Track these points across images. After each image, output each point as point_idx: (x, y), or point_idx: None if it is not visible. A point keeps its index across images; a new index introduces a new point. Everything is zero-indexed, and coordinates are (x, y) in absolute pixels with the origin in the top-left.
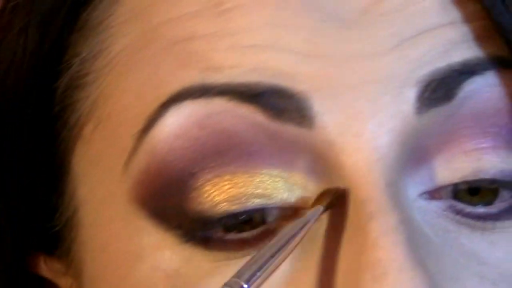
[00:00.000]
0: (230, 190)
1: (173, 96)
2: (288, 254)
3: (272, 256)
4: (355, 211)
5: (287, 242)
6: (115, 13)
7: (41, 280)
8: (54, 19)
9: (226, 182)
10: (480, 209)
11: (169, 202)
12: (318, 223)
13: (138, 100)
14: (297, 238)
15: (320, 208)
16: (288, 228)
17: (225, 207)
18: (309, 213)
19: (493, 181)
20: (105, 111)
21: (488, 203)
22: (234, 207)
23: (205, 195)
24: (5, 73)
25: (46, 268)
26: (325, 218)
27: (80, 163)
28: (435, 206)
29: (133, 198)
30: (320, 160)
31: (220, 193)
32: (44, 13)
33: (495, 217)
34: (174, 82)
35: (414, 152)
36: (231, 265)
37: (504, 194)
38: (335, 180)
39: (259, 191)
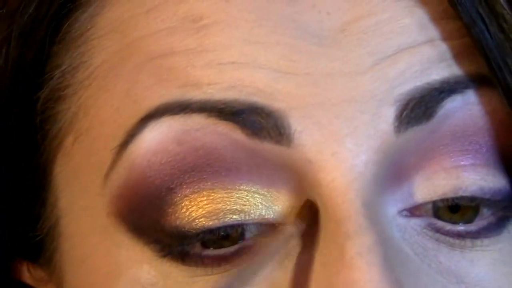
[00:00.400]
0: (207, 205)
1: (151, 112)
2: None
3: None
4: (331, 230)
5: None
6: (96, 26)
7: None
8: (36, 29)
9: (203, 198)
10: (460, 227)
11: (147, 217)
12: (295, 240)
13: (117, 114)
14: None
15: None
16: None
17: (202, 223)
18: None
19: (472, 198)
20: (85, 124)
21: (469, 220)
22: (211, 223)
23: (183, 211)
24: None
25: (30, 275)
26: (302, 234)
27: (61, 174)
28: (415, 224)
29: (112, 212)
30: (299, 178)
31: (198, 209)
32: (26, 24)
33: (475, 235)
34: (152, 97)
35: (393, 170)
36: (208, 281)
37: (484, 211)
38: (313, 198)
39: (237, 207)
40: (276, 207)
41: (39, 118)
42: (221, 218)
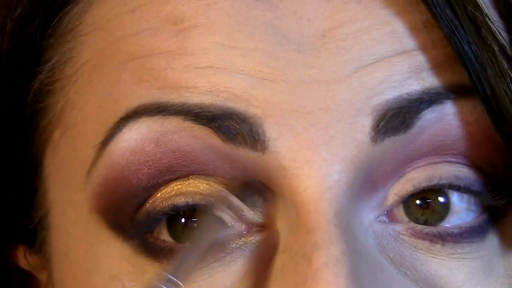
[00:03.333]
0: (182, 188)
1: (130, 112)
2: None
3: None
4: (302, 238)
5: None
6: (84, 22)
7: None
8: (29, 23)
9: (180, 186)
10: (441, 228)
11: (125, 214)
12: (268, 243)
13: (99, 112)
14: None
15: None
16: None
17: (171, 201)
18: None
19: (449, 186)
20: (71, 120)
21: (441, 217)
22: (179, 199)
23: (157, 196)
24: None
25: (26, 261)
26: (275, 239)
27: (50, 167)
28: (392, 230)
29: (93, 208)
30: (273, 184)
31: (171, 191)
32: (20, 17)
33: (456, 238)
34: (132, 97)
35: (370, 179)
36: None
37: (455, 208)
38: (288, 204)
39: (209, 192)
40: (250, 207)
41: (29, 110)
42: (192, 196)
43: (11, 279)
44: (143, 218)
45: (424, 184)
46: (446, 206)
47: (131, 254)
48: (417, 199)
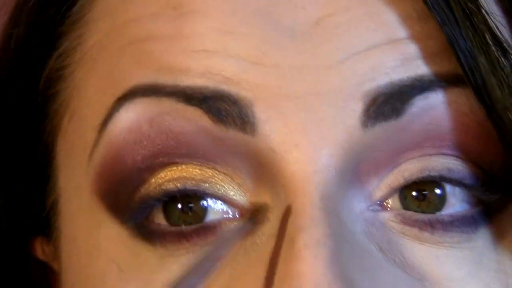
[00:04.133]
0: (175, 174)
1: (127, 92)
2: None
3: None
4: (289, 222)
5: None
6: (93, 9)
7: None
8: (43, 12)
9: (173, 172)
10: (431, 216)
11: (121, 196)
12: (259, 226)
13: (101, 94)
14: None
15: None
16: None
17: (163, 186)
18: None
19: (440, 177)
20: (77, 104)
21: (436, 208)
22: (175, 184)
23: (152, 181)
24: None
25: (42, 252)
26: (266, 222)
27: (60, 153)
28: (382, 217)
29: (94, 190)
30: (263, 167)
31: (165, 176)
32: (34, 6)
33: (446, 226)
34: (129, 79)
35: (361, 165)
36: (174, 262)
37: (452, 201)
38: (278, 187)
39: (201, 177)
40: (242, 192)
41: (41, 97)
42: (186, 182)
43: (32, 271)
44: (137, 204)
45: (415, 176)
46: (442, 198)
47: (127, 237)
48: (413, 191)
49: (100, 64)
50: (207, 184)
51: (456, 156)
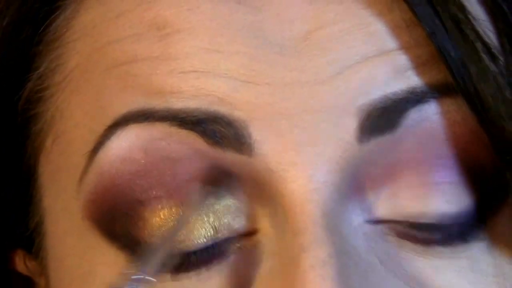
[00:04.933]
0: (174, 224)
1: (118, 119)
2: None
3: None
4: (290, 240)
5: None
6: (71, 29)
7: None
8: (17, 31)
9: (172, 216)
10: (424, 234)
11: (118, 224)
12: (259, 247)
13: (87, 119)
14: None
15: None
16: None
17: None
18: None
19: (435, 224)
20: (61, 127)
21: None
22: (181, 246)
23: (154, 229)
24: None
25: (25, 266)
26: (265, 242)
27: (44, 174)
28: (380, 230)
29: (86, 215)
30: (261, 187)
31: (164, 216)
32: (7, 26)
33: (438, 242)
34: (118, 104)
35: (357, 180)
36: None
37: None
38: (276, 206)
39: (205, 226)
40: (242, 216)
41: (20, 118)
42: (191, 240)
43: (12, 284)
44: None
45: (413, 219)
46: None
47: (126, 262)
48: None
49: (84, 87)
50: (210, 232)
51: (455, 183)
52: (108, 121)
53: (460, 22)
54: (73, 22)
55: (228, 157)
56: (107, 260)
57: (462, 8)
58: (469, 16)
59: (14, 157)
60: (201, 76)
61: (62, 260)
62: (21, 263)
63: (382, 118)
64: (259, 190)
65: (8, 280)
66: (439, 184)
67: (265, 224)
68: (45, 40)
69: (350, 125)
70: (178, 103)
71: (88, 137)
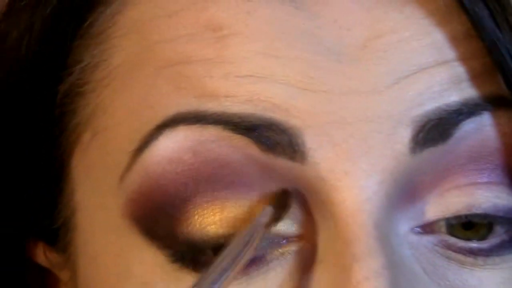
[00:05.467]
0: (219, 214)
1: (167, 120)
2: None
3: (227, 268)
4: (341, 250)
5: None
6: (117, 24)
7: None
8: (58, 22)
9: (216, 207)
10: (473, 244)
11: (160, 223)
12: (306, 253)
13: (133, 118)
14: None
15: (309, 237)
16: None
17: (214, 230)
18: (297, 243)
19: (485, 215)
20: (102, 123)
21: (482, 237)
22: (222, 230)
23: (195, 218)
24: (9, 70)
25: (45, 258)
26: (314, 249)
27: (78, 168)
28: (427, 241)
29: (126, 213)
30: (312, 194)
31: (210, 216)
32: (48, 16)
33: (487, 253)
34: (169, 105)
35: (407, 189)
36: None
37: (497, 229)
38: (326, 215)
39: (248, 217)
40: (289, 220)
41: (58, 110)
42: (232, 227)
43: (26, 273)
44: (182, 245)
45: (461, 212)
46: (490, 228)
47: (166, 262)
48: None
49: (131, 86)
50: (254, 224)
51: (501, 183)
52: (157, 121)
53: None
54: (119, 17)
55: (280, 163)
56: (145, 260)
57: None
58: None
59: (47, 149)
60: (258, 81)
61: (95, 257)
62: (41, 255)
63: (436, 129)
64: (309, 197)
65: (23, 269)
66: (487, 184)
67: (314, 232)
68: (89, 34)
69: (404, 136)
70: (233, 107)
71: (133, 136)
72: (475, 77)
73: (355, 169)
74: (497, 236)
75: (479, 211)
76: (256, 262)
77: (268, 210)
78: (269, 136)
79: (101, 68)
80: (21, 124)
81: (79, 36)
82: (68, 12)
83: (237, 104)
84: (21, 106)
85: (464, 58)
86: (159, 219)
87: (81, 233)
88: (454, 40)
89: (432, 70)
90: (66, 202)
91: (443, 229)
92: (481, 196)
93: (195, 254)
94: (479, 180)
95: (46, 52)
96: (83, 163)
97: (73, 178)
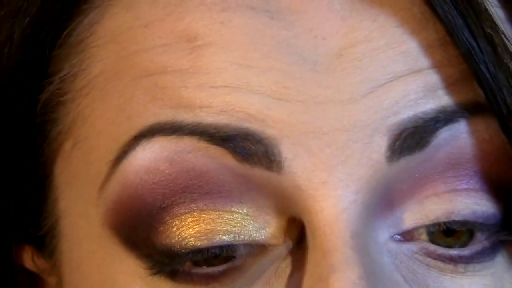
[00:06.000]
0: (197, 226)
1: (144, 130)
2: None
3: None
4: (318, 260)
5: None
6: (96, 34)
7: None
8: (38, 31)
9: (194, 218)
10: (453, 251)
11: (139, 232)
12: (284, 261)
13: (112, 128)
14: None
15: (289, 244)
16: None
17: (191, 242)
18: (277, 251)
19: (465, 222)
20: (83, 133)
21: (463, 244)
22: (201, 243)
23: (173, 230)
24: None
25: (33, 263)
26: (292, 256)
27: (60, 176)
28: (407, 249)
29: (106, 223)
30: (289, 203)
31: (188, 229)
32: (28, 25)
33: (467, 260)
34: (145, 115)
35: (385, 197)
36: None
37: (478, 235)
38: (303, 225)
39: (227, 228)
40: (267, 229)
41: (39, 119)
42: (211, 239)
43: (16, 278)
44: (161, 254)
45: (441, 219)
46: (471, 234)
47: (146, 273)
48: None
49: (110, 95)
50: (231, 235)
51: (479, 190)
52: (134, 131)
53: (495, 43)
54: (97, 27)
55: (257, 173)
56: (126, 269)
57: (497, 29)
58: (503, 37)
59: (30, 157)
60: (232, 91)
61: (79, 265)
62: (29, 259)
63: (413, 138)
64: (286, 207)
65: (12, 274)
66: (466, 190)
67: (292, 240)
68: (68, 43)
69: (380, 145)
70: (208, 118)
71: (111, 146)
72: (452, 84)
73: (332, 179)
74: (478, 242)
75: (458, 218)
76: (235, 270)
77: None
78: (245, 146)
79: (81, 77)
80: (3, 132)
81: (58, 45)
82: (47, 20)
83: (212, 114)
84: (2, 114)
85: (440, 66)
86: (137, 228)
87: (65, 240)
88: (429, 48)
89: (407, 78)
90: (51, 209)
91: (424, 236)
92: (460, 203)
93: (174, 265)
94: (458, 187)
95: (26, 61)
96: (65, 172)
97: (56, 186)
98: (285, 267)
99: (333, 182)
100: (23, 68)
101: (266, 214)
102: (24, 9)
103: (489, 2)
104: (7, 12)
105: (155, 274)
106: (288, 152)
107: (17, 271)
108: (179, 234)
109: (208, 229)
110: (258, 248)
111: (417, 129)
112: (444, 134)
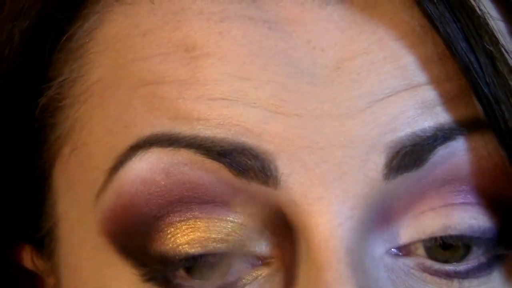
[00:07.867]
0: (192, 233)
1: (141, 141)
2: None
3: None
4: (313, 275)
5: None
6: (95, 40)
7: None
8: (37, 35)
9: (189, 226)
10: (449, 267)
11: (134, 241)
12: (280, 275)
13: (109, 136)
14: None
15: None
16: None
17: (185, 249)
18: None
19: (461, 236)
20: (81, 139)
21: (460, 258)
22: (194, 250)
23: (168, 237)
24: None
25: (32, 263)
26: (287, 270)
27: (59, 180)
28: (403, 264)
29: (102, 231)
30: (285, 218)
31: (182, 236)
32: (28, 28)
33: (463, 275)
34: (143, 125)
35: (381, 214)
36: None
37: (475, 249)
38: (299, 239)
39: (221, 236)
40: (261, 240)
41: (37, 124)
42: (205, 246)
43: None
44: (156, 261)
45: (437, 234)
46: (468, 249)
47: (140, 281)
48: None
49: (107, 103)
50: (226, 244)
51: (476, 204)
52: (131, 141)
53: (494, 57)
54: (96, 33)
55: (253, 188)
56: (121, 277)
57: (497, 43)
58: (503, 51)
59: (29, 160)
60: (230, 104)
61: (76, 270)
62: (28, 259)
63: (410, 156)
64: (282, 221)
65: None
66: (463, 204)
67: (287, 255)
68: (67, 48)
69: (377, 162)
70: (205, 131)
71: (108, 154)
72: (450, 100)
73: (328, 195)
74: (475, 257)
75: (454, 232)
76: (231, 285)
77: None
78: (241, 161)
79: (79, 83)
80: (3, 132)
81: (58, 49)
82: (47, 24)
83: (209, 128)
84: (2, 115)
85: (438, 81)
86: (132, 237)
87: (63, 244)
88: (428, 63)
89: (405, 94)
90: (49, 212)
91: (420, 250)
92: (456, 217)
93: (167, 274)
94: (454, 201)
95: (26, 64)
96: (64, 176)
97: (55, 189)
98: (279, 281)
99: (329, 198)
100: (23, 71)
101: (262, 226)
102: (25, 11)
103: (490, 15)
104: (8, 14)
105: (147, 280)
106: (284, 167)
107: (16, 270)
108: (173, 241)
109: (203, 237)
110: (253, 261)
111: (415, 147)
112: (442, 152)
